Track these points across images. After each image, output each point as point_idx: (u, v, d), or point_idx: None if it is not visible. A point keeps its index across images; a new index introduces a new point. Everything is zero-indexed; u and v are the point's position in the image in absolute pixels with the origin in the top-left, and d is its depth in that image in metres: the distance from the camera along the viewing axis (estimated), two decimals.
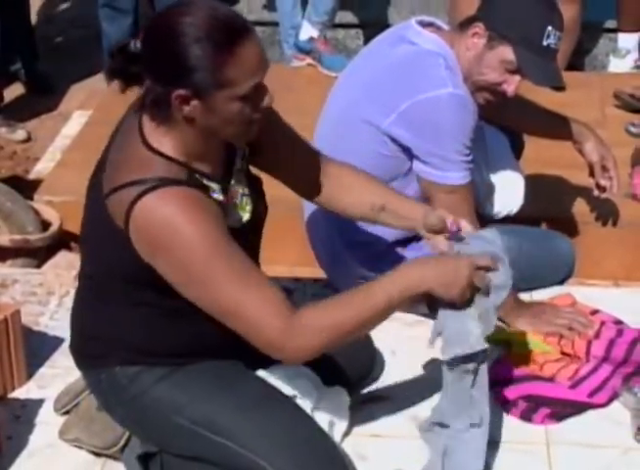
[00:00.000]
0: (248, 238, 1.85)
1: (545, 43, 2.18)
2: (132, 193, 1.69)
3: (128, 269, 1.77)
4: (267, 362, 2.02)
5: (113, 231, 1.73)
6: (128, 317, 1.86)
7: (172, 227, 1.67)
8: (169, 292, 1.75)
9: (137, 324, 1.87)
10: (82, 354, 1.96)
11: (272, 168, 2.01)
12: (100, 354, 1.91)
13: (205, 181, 1.77)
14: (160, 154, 1.73)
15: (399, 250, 2.40)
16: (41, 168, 3.54)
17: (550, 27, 2.18)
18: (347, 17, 4.37)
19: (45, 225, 3.00)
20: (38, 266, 2.96)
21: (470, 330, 1.82)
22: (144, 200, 1.68)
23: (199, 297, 1.73)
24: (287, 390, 1.96)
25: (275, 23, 4.32)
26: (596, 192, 2.55)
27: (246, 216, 1.87)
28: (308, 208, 2.49)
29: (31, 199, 3.14)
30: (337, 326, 1.72)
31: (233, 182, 1.86)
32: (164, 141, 1.74)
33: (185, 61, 1.65)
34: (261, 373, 2.01)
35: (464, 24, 2.26)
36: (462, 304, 1.81)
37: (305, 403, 1.98)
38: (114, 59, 1.72)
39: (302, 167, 2.02)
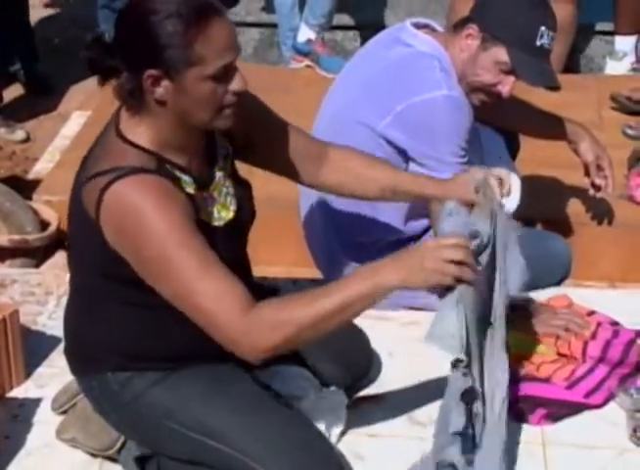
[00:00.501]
0: (230, 238, 1.85)
1: (539, 43, 2.19)
2: (103, 181, 1.71)
3: (105, 263, 1.78)
4: (263, 364, 2.04)
5: (87, 223, 1.74)
6: (116, 321, 1.87)
7: (138, 213, 1.68)
8: (151, 289, 1.76)
9: (126, 328, 1.87)
10: (74, 360, 1.97)
11: (271, 165, 2.02)
12: (91, 360, 1.91)
13: (178, 173, 1.77)
14: (133, 144, 1.75)
15: (397, 249, 2.41)
16: (40, 169, 3.54)
17: (543, 28, 2.18)
18: (345, 19, 4.38)
19: (44, 225, 3.00)
20: (37, 266, 2.97)
21: (446, 325, 1.70)
22: (113, 187, 1.70)
23: (160, 285, 1.72)
24: (284, 391, 1.97)
25: (273, 25, 4.33)
26: (591, 191, 2.56)
27: (229, 215, 1.86)
28: (305, 207, 2.50)
29: (30, 199, 3.14)
30: (293, 323, 1.68)
31: (216, 180, 1.86)
32: (139, 131, 1.76)
33: (156, 39, 1.66)
34: (258, 375, 2.01)
35: (458, 26, 2.27)
36: (438, 289, 1.70)
37: (303, 405, 1.99)
38: (89, 49, 1.74)
39: (303, 159, 2.02)
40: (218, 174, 1.87)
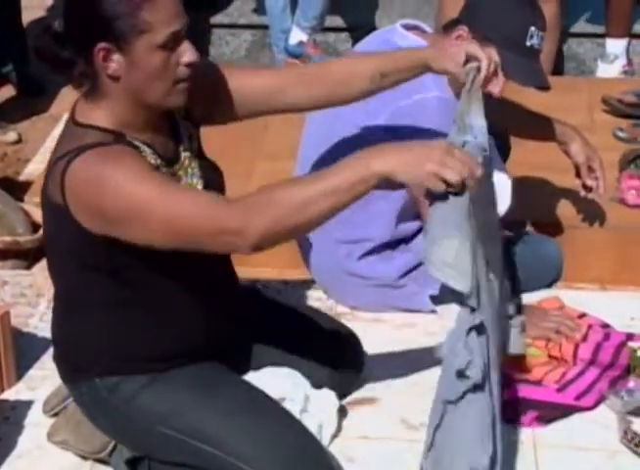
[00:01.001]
0: None
1: (529, 44, 2.19)
2: (62, 164, 1.71)
3: (83, 252, 1.77)
4: (249, 363, 2.04)
5: (58, 212, 1.74)
6: (98, 324, 1.86)
7: (97, 176, 1.67)
8: (130, 277, 1.75)
9: (108, 331, 1.86)
10: (63, 367, 1.96)
11: (255, 113, 1.99)
12: (78, 367, 1.91)
13: (138, 143, 1.76)
14: (90, 126, 1.75)
15: (388, 251, 2.41)
16: (32, 170, 3.53)
17: (533, 28, 2.19)
18: (337, 20, 4.38)
19: (35, 227, 2.99)
20: (28, 268, 2.96)
21: (442, 252, 1.59)
22: (71, 165, 1.70)
23: (138, 232, 1.68)
24: (275, 392, 1.97)
25: (265, 27, 4.33)
26: (582, 192, 2.56)
27: None
28: None
29: (22, 200, 3.13)
30: (279, 205, 1.62)
31: (182, 159, 1.85)
32: (96, 115, 1.75)
33: (102, 10, 1.67)
34: (249, 376, 2.02)
35: (448, 27, 2.27)
36: (435, 192, 1.59)
37: (294, 406, 1.99)
38: (39, 38, 1.75)
39: (287, 97, 1.97)
40: (184, 154, 1.86)
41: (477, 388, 1.69)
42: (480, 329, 1.68)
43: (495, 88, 2.22)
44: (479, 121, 1.81)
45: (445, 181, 1.58)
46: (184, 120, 1.89)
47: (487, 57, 1.90)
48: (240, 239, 1.64)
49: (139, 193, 1.66)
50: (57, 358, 1.97)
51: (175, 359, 1.89)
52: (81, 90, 1.78)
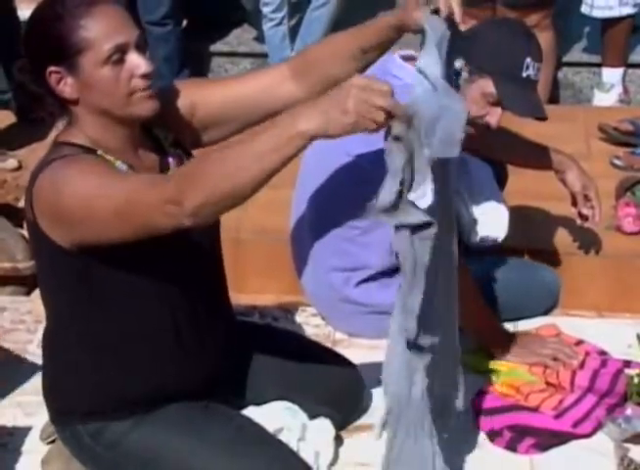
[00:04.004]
0: (188, 244, 1.80)
1: (525, 75, 2.20)
2: (32, 180, 1.73)
3: (60, 271, 1.76)
4: (243, 397, 2.02)
5: (34, 232, 1.75)
6: (78, 363, 1.85)
7: (55, 179, 1.68)
8: (110, 313, 1.74)
9: (89, 370, 1.85)
10: (48, 408, 1.95)
11: (249, 121, 1.92)
12: (61, 411, 1.91)
13: (109, 157, 1.74)
14: (66, 143, 1.75)
15: (386, 278, 2.42)
16: None
17: (529, 59, 2.20)
18: None
19: None
20: (27, 294, 2.96)
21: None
22: (38, 178, 1.71)
23: (100, 221, 1.65)
24: (272, 424, 1.97)
25: (265, 55, 4.35)
26: (579, 221, 2.57)
27: None
28: (295, 239, 2.51)
29: (21, 227, 3.14)
30: (209, 176, 1.56)
31: (171, 169, 1.84)
32: (72, 135, 1.76)
33: (44, 35, 1.70)
34: (248, 410, 2.01)
35: None
36: (358, 127, 1.50)
37: (291, 435, 1.99)
38: (19, 78, 1.76)
39: (277, 96, 1.89)
40: (173, 165, 1.84)
41: None
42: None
43: (492, 119, 2.25)
44: (434, 69, 1.67)
45: (373, 120, 1.49)
46: (172, 148, 1.87)
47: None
48: (178, 209, 1.57)
49: (85, 186, 1.65)
50: (44, 397, 1.96)
51: (158, 401, 1.87)
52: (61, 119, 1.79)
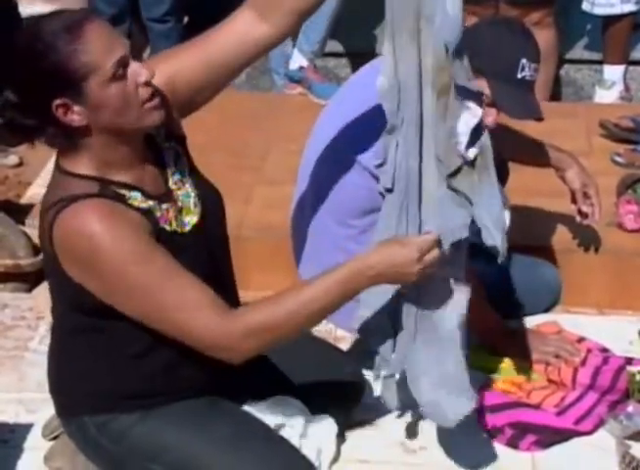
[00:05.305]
0: (202, 241, 1.82)
1: (520, 76, 2.17)
2: (50, 216, 1.71)
3: (72, 296, 1.77)
4: (248, 392, 2.02)
5: (50, 258, 1.75)
6: (85, 361, 1.86)
7: (87, 239, 1.67)
8: (115, 312, 1.74)
9: (97, 366, 1.85)
10: (55, 402, 1.96)
11: (229, 74, 1.88)
12: (67, 404, 1.91)
13: (124, 191, 1.74)
14: (74, 174, 1.74)
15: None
16: (33, 193, 3.54)
17: (524, 60, 2.18)
18: (337, 46, 4.41)
19: (36, 250, 3.00)
20: (29, 291, 2.96)
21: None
22: (59, 217, 1.69)
23: (127, 307, 1.71)
24: (274, 419, 1.97)
25: None
26: (578, 218, 2.57)
27: (194, 220, 1.83)
28: (295, 237, 2.51)
29: (23, 224, 3.14)
30: (268, 329, 1.71)
31: (174, 186, 1.83)
32: (78, 162, 1.74)
33: (42, 69, 1.65)
34: (250, 405, 2.01)
35: None
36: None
37: (293, 432, 1.99)
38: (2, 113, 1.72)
39: (245, 46, 1.85)
40: (173, 179, 1.84)
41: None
42: None
43: (488, 119, 2.23)
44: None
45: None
46: (166, 142, 1.86)
47: None
48: (227, 354, 1.72)
49: (136, 276, 1.67)
50: (50, 391, 1.97)
51: (163, 396, 1.87)
52: (57, 147, 1.76)
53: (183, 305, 1.68)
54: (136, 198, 1.75)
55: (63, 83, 1.65)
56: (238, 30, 1.85)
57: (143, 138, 1.79)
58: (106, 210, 1.69)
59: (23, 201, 3.53)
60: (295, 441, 1.98)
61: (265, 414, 1.96)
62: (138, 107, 1.70)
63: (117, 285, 1.69)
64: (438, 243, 1.80)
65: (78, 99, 1.66)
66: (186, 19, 4.41)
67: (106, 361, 1.85)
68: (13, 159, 3.87)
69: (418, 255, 1.75)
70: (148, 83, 1.70)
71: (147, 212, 1.75)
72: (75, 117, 1.68)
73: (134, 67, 1.69)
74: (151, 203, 1.77)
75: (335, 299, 1.73)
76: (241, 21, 1.86)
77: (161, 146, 1.85)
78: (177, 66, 1.83)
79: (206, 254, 1.83)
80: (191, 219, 1.83)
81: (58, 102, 1.66)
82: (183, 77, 1.83)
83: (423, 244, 1.77)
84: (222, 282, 1.89)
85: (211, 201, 1.89)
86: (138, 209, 1.74)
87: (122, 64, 1.67)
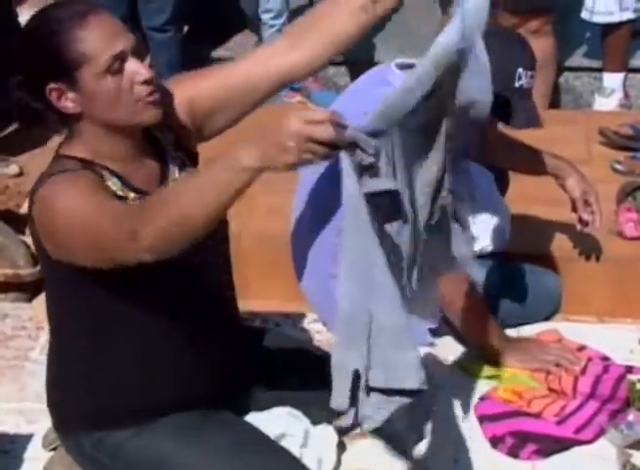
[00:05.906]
0: (201, 250, 1.75)
1: (517, 85, 2.20)
2: (32, 195, 1.72)
3: (61, 286, 1.77)
4: (248, 403, 2.01)
5: (37, 247, 1.75)
6: (79, 372, 1.85)
7: (49, 197, 1.67)
8: (109, 321, 1.75)
9: (89, 379, 1.85)
10: (52, 416, 1.95)
11: (258, 99, 1.87)
12: (63, 419, 1.91)
13: (105, 173, 1.73)
14: (65, 156, 1.75)
15: None
16: None
17: (521, 69, 2.20)
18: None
19: (36, 260, 3.00)
20: (29, 300, 2.97)
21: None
22: (37, 194, 1.70)
23: (76, 246, 1.66)
24: (274, 429, 1.96)
25: None
26: (579, 226, 2.57)
27: None
28: (295, 245, 2.51)
29: (23, 233, 3.15)
30: (157, 223, 1.57)
31: (174, 176, 1.82)
32: (73, 147, 1.75)
33: (39, 53, 1.68)
34: (250, 415, 2.01)
35: None
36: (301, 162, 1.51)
37: (293, 441, 1.98)
38: (14, 97, 1.73)
39: (280, 68, 1.82)
40: (173, 170, 1.83)
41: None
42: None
43: (488, 128, 2.24)
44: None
45: (315, 152, 1.50)
46: (175, 151, 1.85)
47: None
48: (136, 244, 1.59)
49: (73, 210, 1.64)
50: (47, 405, 1.96)
51: (159, 411, 1.86)
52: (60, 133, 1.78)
53: (94, 217, 1.63)
54: (115, 183, 1.74)
55: (56, 68, 1.67)
56: (266, 56, 1.84)
57: (141, 135, 1.79)
58: (76, 178, 1.68)
59: (23, 210, 3.53)
60: (295, 450, 1.97)
61: (265, 424, 1.96)
62: (131, 104, 1.70)
63: (68, 227, 1.65)
64: (342, 127, 1.51)
65: (72, 86, 1.68)
66: (186, 28, 4.42)
67: (97, 376, 1.84)
68: (13, 168, 3.88)
69: (298, 125, 1.49)
70: (146, 82, 1.70)
71: (120, 198, 1.73)
72: (69, 103, 1.69)
73: (133, 64, 1.69)
74: (131, 194, 1.75)
75: (213, 176, 1.56)
76: (271, 48, 1.86)
77: (166, 149, 1.84)
78: (201, 85, 1.84)
79: (197, 272, 1.82)
80: None
81: (52, 86, 1.68)
82: (202, 97, 1.83)
83: (308, 114, 1.51)
84: (219, 300, 1.89)
85: None
86: (113, 193, 1.72)
87: (119, 58, 1.67)
